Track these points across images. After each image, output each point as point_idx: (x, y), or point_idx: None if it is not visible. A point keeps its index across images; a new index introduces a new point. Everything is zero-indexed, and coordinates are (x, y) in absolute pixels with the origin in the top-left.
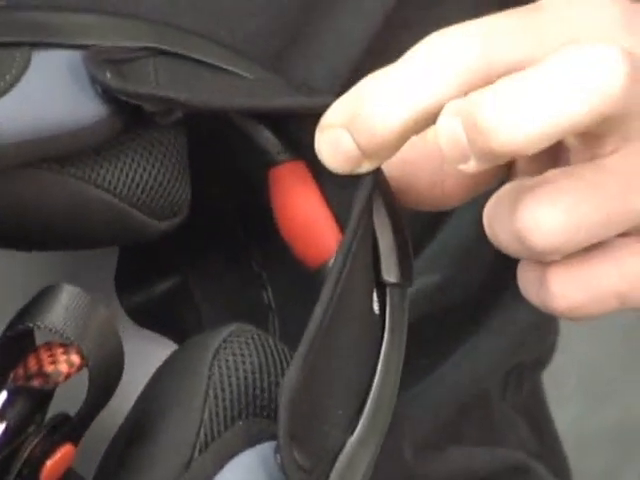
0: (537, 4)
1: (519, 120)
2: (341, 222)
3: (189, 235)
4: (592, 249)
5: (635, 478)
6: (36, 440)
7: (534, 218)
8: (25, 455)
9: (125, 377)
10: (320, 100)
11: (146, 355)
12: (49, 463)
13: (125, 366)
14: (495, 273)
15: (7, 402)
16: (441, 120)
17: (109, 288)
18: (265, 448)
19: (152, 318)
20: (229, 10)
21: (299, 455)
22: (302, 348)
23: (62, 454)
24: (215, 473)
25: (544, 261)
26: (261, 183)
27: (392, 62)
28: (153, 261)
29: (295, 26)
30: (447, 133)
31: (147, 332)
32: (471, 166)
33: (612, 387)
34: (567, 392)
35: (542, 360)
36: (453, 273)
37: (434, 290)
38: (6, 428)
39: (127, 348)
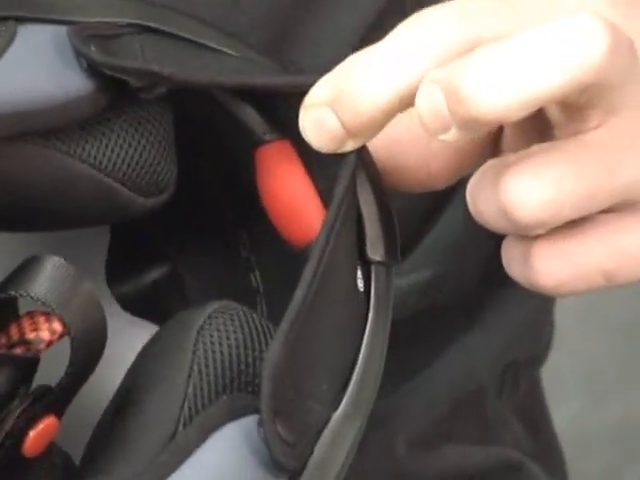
0: None
1: (499, 86)
2: (326, 201)
3: (178, 222)
4: (577, 225)
5: (635, 477)
6: (18, 411)
7: (518, 192)
8: (7, 427)
9: (116, 365)
10: (304, 78)
11: (136, 342)
12: (32, 434)
13: (115, 353)
14: (489, 269)
15: None
16: (421, 89)
17: (100, 277)
18: (249, 422)
19: (142, 306)
20: (219, 3)
21: (283, 429)
22: (285, 323)
23: (45, 425)
24: (198, 445)
25: (529, 235)
26: (248, 164)
27: None
28: (143, 250)
29: (286, 21)
30: (427, 101)
31: (138, 320)
32: (452, 135)
33: (612, 385)
34: (567, 391)
35: (538, 357)
36: (447, 269)
37: (428, 285)
38: None
39: (117, 335)
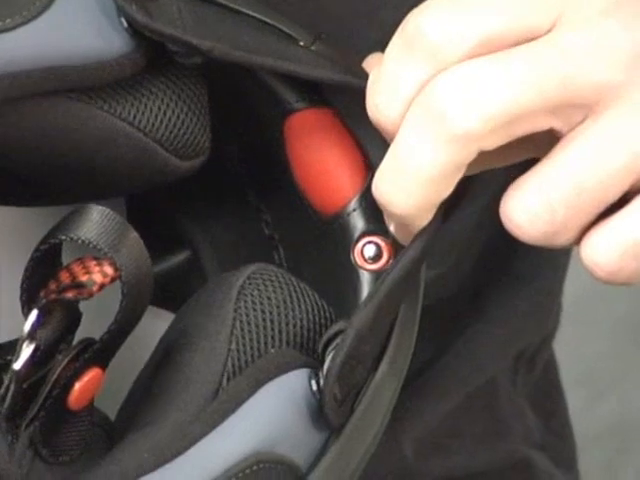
0: None
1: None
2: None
3: (197, 202)
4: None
5: (633, 472)
6: (64, 362)
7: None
8: (54, 377)
9: (137, 354)
10: (354, 81)
11: (156, 333)
12: (78, 385)
13: (136, 344)
14: (492, 262)
15: (37, 322)
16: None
17: None
18: (297, 375)
19: (162, 294)
20: None
21: (335, 387)
22: (381, 292)
23: (90, 377)
24: (250, 396)
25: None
26: (275, 135)
27: None
28: (160, 234)
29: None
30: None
31: (157, 310)
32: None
33: (610, 382)
34: (565, 386)
35: (548, 338)
36: (450, 265)
37: (432, 284)
38: (35, 349)
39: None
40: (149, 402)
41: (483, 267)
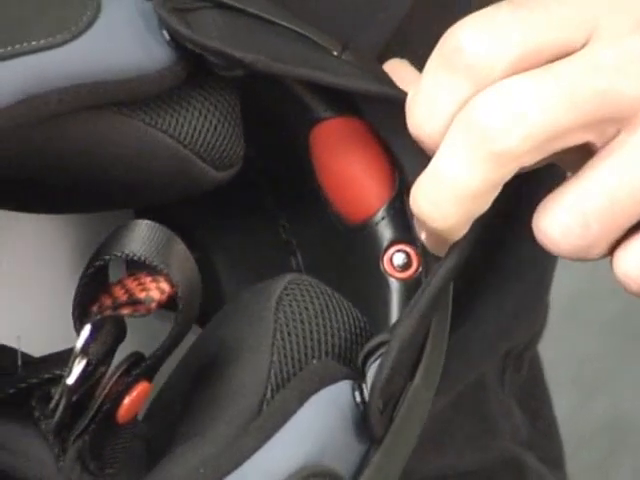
0: None
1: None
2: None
3: (210, 208)
4: None
5: (626, 471)
6: (115, 377)
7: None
8: (104, 392)
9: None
10: (393, 92)
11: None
12: (127, 400)
13: (146, 345)
14: (480, 262)
15: (90, 337)
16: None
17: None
18: (341, 387)
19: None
20: None
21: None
22: (423, 304)
23: (139, 391)
24: (297, 408)
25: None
26: (300, 142)
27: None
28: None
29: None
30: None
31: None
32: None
33: (603, 380)
34: (556, 385)
35: (535, 337)
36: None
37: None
38: (87, 364)
39: (148, 328)
40: (193, 415)
41: (473, 267)
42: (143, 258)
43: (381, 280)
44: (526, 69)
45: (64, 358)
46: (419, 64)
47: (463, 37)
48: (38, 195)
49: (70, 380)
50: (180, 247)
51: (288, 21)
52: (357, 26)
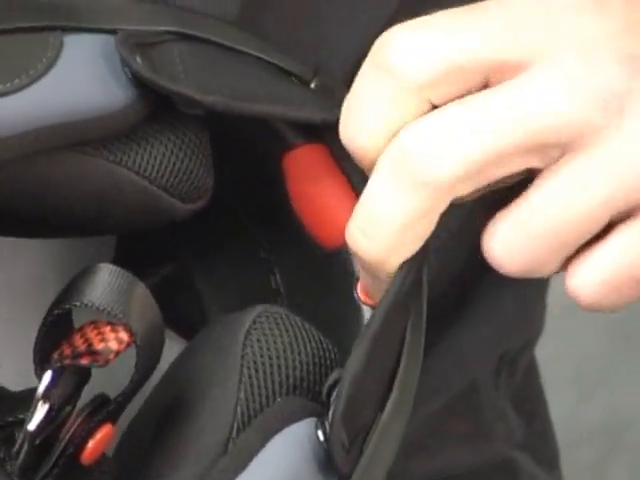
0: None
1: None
2: None
3: (189, 224)
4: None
5: (623, 470)
6: (78, 421)
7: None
8: (68, 436)
9: (125, 369)
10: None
11: None
12: (91, 443)
13: (126, 362)
14: (477, 265)
15: (51, 383)
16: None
17: None
18: (305, 425)
19: None
20: None
21: (342, 434)
22: (369, 335)
23: (103, 434)
24: (260, 449)
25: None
26: (274, 168)
27: None
28: (151, 250)
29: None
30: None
31: None
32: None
33: (601, 379)
34: (556, 385)
35: (532, 340)
36: (436, 268)
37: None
38: (50, 409)
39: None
40: (161, 451)
41: (469, 271)
42: (102, 308)
43: (354, 307)
44: (456, 83)
45: (28, 399)
46: None
47: (393, 43)
48: (8, 222)
49: (31, 426)
50: (141, 292)
51: (255, 49)
52: (337, 30)
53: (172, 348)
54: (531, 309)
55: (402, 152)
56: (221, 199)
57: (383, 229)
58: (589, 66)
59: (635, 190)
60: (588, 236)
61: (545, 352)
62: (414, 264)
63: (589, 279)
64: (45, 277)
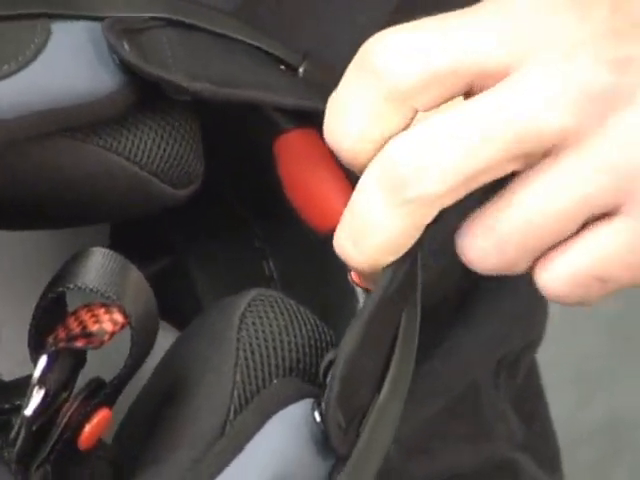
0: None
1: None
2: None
3: (182, 213)
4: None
5: (624, 471)
6: (74, 405)
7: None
8: (65, 420)
9: (121, 354)
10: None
11: None
12: (88, 427)
13: (121, 348)
14: None
15: (47, 367)
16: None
17: None
18: (301, 406)
19: None
20: None
21: (338, 415)
22: (365, 316)
23: (99, 418)
24: (257, 430)
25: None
26: (265, 153)
27: None
28: (145, 240)
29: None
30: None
31: None
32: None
33: (602, 380)
34: (557, 386)
35: (533, 343)
36: (436, 272)
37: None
38: (46, 394)
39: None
40: (159, 435)
41: (470, 273)
42: (96, 289)
43: (349, 290)
44: (439, 89)
45: (24, 386)
46: None
47: (378, 48)
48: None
49: (28, 411)
50: (135, 275)
51: (244, 34)
52: (336, 30)
53: (167, 338)
54: (531, 311)
55: (389, 166)
56: (214, 187)
57: (370, 240)
58: (573, 69)
59: (614, 192)
60: (561, 238)
61: (546, 353)
62: (407, 258)
63: (558, 274)
64: (38, 269)
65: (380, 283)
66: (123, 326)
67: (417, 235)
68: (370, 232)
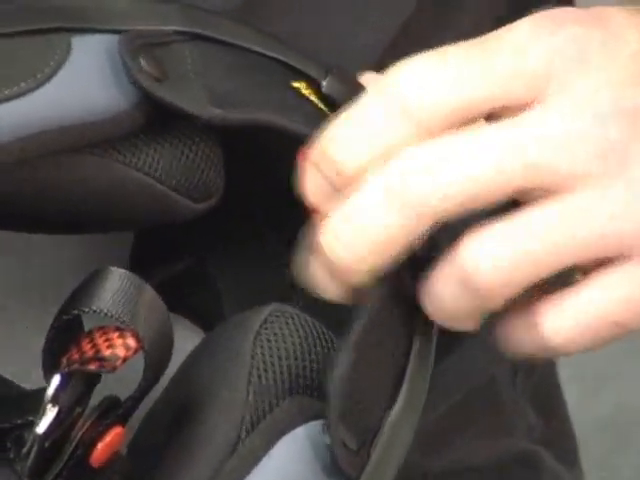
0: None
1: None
2: None
3: (206, 217)
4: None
5: (629, 467)
6: (88, 423)
7: (474, 255)
8: (77, 438)
9: (137, 368)
10: None
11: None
12: (100, 445)
13: (137, 365)
14: None
15: (60, 386)
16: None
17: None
18: (312, 427)
19: (168, 298)
20: None
21: (346, 435)
22: (354, 334)
23: (112, 436)
24: (265, 452)
25: (492, 308)
26: (287, 164)
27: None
28: (168, 243)
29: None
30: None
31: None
32: None
33: (606, 377)
34: (562, 382)
35: None
36: None
37: None
38: (59, 412)
39: None
40: (173, 451)
41: None
42: (110, 314)
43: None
44: (459, 119)
45: (38, 399)
46: None
47: (404, 76)
48: (19, 218)
49: (40, 429)
50: (150, 296)
51: (266, 47)
52: (350, 30)
53: (190, 338)
54: None
55: (400, 174)
56: (235, 195)
57: (363, 241)
58: (588, 115)
59: (629, 238)
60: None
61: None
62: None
63: (569, 318)
64: (60, 271)
65: (371, 299)
66: (136, 351)
67: (408, 243)
68: (366, 234)
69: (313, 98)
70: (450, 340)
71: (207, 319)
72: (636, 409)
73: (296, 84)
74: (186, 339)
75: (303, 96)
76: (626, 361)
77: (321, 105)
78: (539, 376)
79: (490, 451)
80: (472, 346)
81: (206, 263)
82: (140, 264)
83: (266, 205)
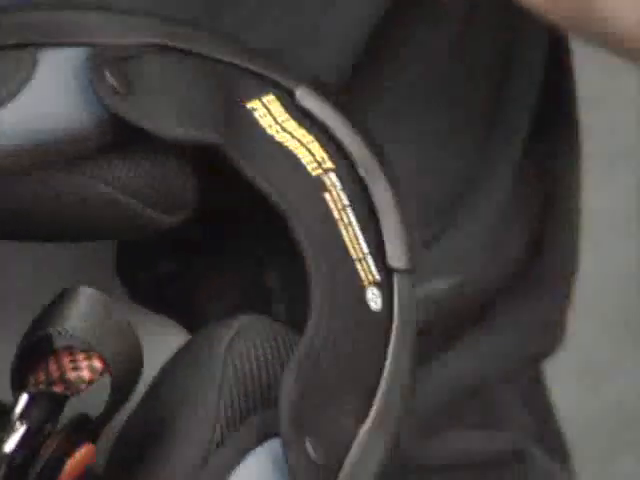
0: None
1: None
2: None
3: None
4: None
5: (631, 463)
6: (57, 441)
7: None
8: (46, 456)
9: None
10: None
11: (149, 339)
12: (69, 463)
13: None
14: (501, 277)
15: (28, 405)
16: None
17: (109, 269)
18: (276, 443)
19: (154, 298)
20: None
21: (313, 449)
22: (300, 353)
23: (82, 454)
24: (236, 465)
25: None
26: None
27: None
28: (151, 247)
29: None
30: None
31: (151, 315)
32: None
33: (608, 372)
34: (561, 377)
35: (547, 353)
36: (466, 277)
37: (442, 298)
38: (27, 430)
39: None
40: (144, 467)
41: (500, 280)
42: (76, 336)
43: None
44: None
45: (3, 415)
46: (398, 64)
47: None
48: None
49: (8, 448)
50: (118, 319)
51: (240, 58)
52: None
53: (176, 340)
54: (551, 321)
55: None
56: (217, 202)
57: None
58: None
59: None
60: None
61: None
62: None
63: None
64: (41, 277)
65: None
66: (102, 373)
67: None
68: None
69: (267, 119)
70: (441, 340)
71: (192, 321)
72: (636, 406)
73: (250, 105)
74: (172, 341)
75: (254, 120)
76: (627, 355)
77: (274, 128)
78: (529, 379)
79: (485, 445)
80: (470, 346)
81: (191, 265)
82: (125, 266)
83: (248, 211)
